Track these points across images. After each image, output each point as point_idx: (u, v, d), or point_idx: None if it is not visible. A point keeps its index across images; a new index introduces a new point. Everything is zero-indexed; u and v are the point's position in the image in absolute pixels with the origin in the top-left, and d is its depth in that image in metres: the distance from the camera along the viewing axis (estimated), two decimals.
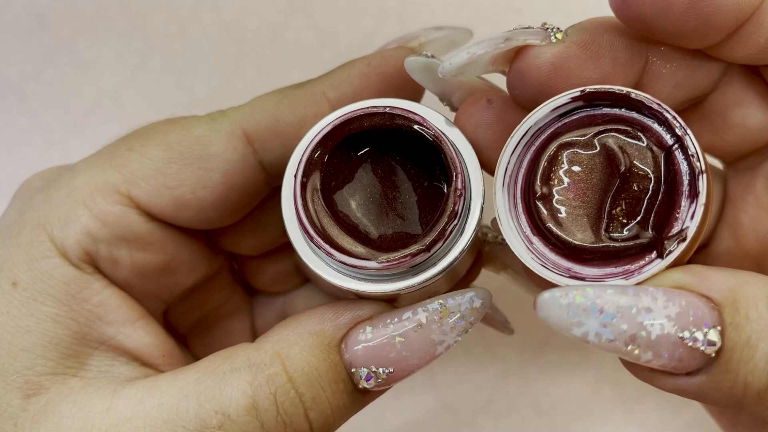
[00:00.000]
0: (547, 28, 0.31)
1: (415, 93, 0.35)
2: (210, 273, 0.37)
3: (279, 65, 0.53)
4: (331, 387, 0.29)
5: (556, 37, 0.30)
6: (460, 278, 0.34)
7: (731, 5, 0.28)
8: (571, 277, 0.29)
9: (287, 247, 0.39)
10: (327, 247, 0.29)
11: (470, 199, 0.30)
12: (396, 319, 0.30)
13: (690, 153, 0.28)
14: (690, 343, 0.26)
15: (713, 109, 0.33)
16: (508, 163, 0.30)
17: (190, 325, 0.39)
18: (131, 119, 0.54)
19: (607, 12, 0.55)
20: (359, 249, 0.30)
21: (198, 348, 0.40)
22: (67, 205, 0.32)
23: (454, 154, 0.30)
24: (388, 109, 0.31)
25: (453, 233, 0.30)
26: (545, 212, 0.29)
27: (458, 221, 0.30)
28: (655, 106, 0.28)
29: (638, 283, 0.28)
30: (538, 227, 0.29)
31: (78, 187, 0.32)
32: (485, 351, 0.52)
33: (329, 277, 0.30)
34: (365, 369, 0.30)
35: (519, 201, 0.30)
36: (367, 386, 0.30)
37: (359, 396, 0.31)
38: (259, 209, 0.36)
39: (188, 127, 0.33)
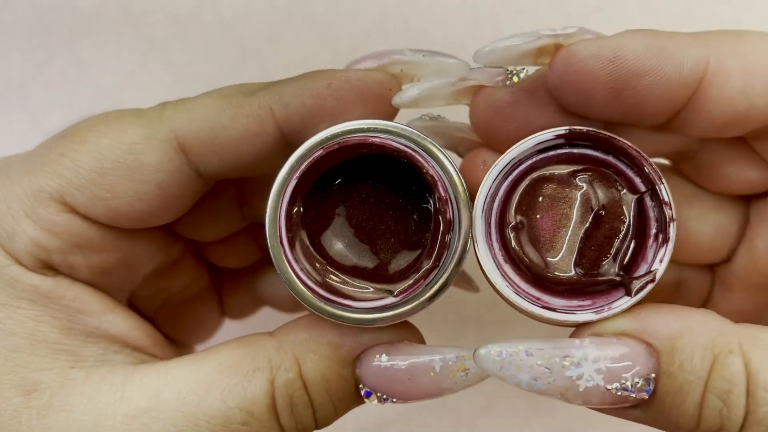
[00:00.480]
0: (510, 71, 0.32)
1: (378, 113, 0.32)
2: (170, 259, 0.38)
3: (279, 65, 0.53)
4: (338, 396, 0.31)
5: (512, 81, 0.32)
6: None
7: (657, 96, 0.29)
8: (542, 306, 0.30)
9: (247, 229, 0.39)
10: (343, 301, 0.30)
11: (457, 203, 0.30)
12: (412, 358, 0.30)
13: (663, 201, 0.29)
14: (619, 393, 0.28)
15: (705, 165, 0.34)
16: (489, 191, 0.31)
17: (156, 307, 0.39)
18: None
19: (606, 11, 0.55)
20: (371, 289, 0.30)
21: (167, 329, 0.40)
22: (9, 216, 0.31)
23: (427, 166, 0.30)
24: (344, 140, 0.29)
25: (452, 240, 0.30)
26: (516, 241, 0.30)
27: (452, 227, 0.30)
28: (634, 153, 0.30)
29: (606, 318, 0.29)
30: (510, 255, 0.31)
31: (16, 196, 0.31)
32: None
33: (347, 315, 0.30)
34: (371, 391, 0.31)
35: (494, 228, 0.31)
36: (370, 402, 0.31)
37: (361, 401, 0.32)
38: (213, 200, 0.36)
39: (122, 131, 0.31)
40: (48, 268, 0.32)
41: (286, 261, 0.30)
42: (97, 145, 0.31)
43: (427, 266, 0.30)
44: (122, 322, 0.33)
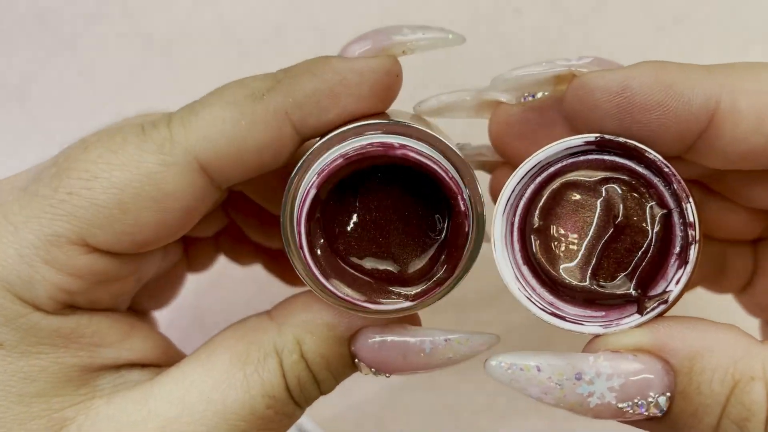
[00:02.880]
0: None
1: (386, 102, 0.32)
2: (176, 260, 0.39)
3: (279, 65, 0.53)
4: (338, 371, 0.32)
5: (527, 99, 0.33)
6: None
7: (665, 131, 0.29)
8: (552, 313, 0.29)
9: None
10: (365, 305, 0.30)
11: (476, 218, 0.30)
12: (405, 339, 0.31)
13: (688, 221, 0.28)
14: (630, 411, 0.27)
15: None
16: (512, 192, 0.30)
17: (137, 291, 0.39)
18: None
19: (605, 10, 0.55)
20: (391, 293, 0.31)
21: (142, 302, 0.40)
22: (24, 264, 0.29)
23: (447, 178, 0.29)
24: (369, 147, 0.29)
25: (467, 251, 0.30)
26: (537, 245, 0.30)
27: (468, 239, 0.30)
28: (664, 168, 0.28)
29: (613, 333, 0.29)
30: (529, 258, 0.30)
31: (28, 243, 0.29)
32: (486, 351, 0.52)
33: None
34: (366, 366, 0.32)
35: (515, 230, 0.30)
36: (365, 374, 0.32)
37: (357, 369, 0.33)
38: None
39: (135, 161, 0.30)
40: (69, 307, 0.31)
41: (311, 273, 0.30)
42: (111, 180, 0.30)
43: (443, 275, 0.30)
44: (140, 345, 0.33)
